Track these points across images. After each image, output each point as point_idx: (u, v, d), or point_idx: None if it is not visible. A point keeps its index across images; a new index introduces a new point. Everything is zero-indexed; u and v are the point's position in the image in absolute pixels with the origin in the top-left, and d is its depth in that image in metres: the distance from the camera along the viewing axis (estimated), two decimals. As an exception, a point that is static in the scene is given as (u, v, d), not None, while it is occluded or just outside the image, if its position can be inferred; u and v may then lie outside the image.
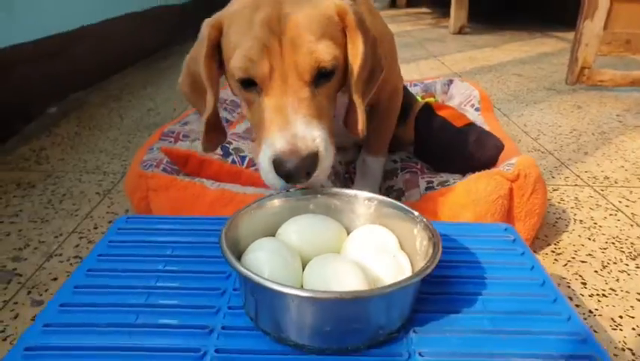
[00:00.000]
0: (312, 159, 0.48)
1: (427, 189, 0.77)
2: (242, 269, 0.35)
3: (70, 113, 1.39)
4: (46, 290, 0.67)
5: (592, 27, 1.61)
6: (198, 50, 0.56)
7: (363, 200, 0.47)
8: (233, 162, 0.79)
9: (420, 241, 0.42)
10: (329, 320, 0.35)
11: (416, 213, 0.43)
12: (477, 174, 0.69)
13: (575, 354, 0.36)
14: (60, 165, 1.07)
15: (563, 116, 1.44)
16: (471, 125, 0.80)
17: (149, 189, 0.73)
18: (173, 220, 0.53)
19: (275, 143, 0.48)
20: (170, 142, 0.94)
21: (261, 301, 0.37)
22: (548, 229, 0.84)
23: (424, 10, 4.23)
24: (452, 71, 1.99)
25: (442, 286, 0.43)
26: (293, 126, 0.48)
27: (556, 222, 0.87)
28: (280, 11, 0.50)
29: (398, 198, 0.75)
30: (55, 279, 0.70)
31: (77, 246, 0.78)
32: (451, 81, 1.22)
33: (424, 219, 0.42)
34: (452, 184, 0.75)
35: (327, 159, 0.49)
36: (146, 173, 0.74)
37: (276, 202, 0.47)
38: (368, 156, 0.79)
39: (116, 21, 1.82)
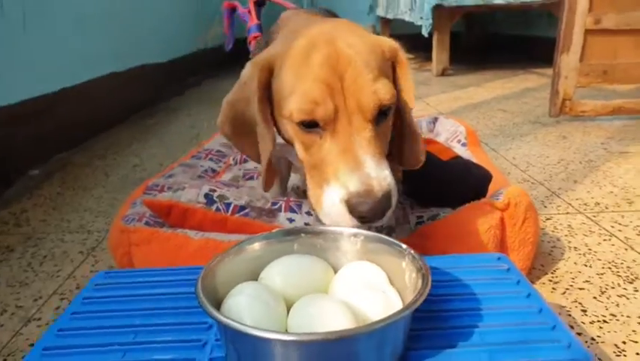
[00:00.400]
0: (386, 199, 0.47)
1: (417, 223, 0.75)
2: (217, 315, 0.33)
3: (54, 175, 1.38)
4: (22, 357, 0.63)
5: (568, 60, 1.64)
6: (246, 92, 0.55)
7: (348, 236, 0.45)
8: (218, 209, 0.77)
9: (409, 274, 0.40)
10: None
11: (404, 246, 0.41)
12: (467, 205, 0.68)
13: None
14: (41, 227, 1.04)
15: (550, 147, 1.44)
16: (458, 158, 0.80)
17: (131, 244, 0.71)
18: (151, 273, 0.50)
19: (348, 184, 0.47)
20: (155, 195, 0.92)
21: (241, 349, 0.34)
22: (544, 258, 0.82)
23: (407, 56, 4.33)
24: (437, 110, 2.02)
25: (435, 321, 0.40)
26: (365, 167, 0.47)
27: (552, 250, 0.85)
28: (337, 50, 0.49)
29: (389, 236, 0.73)
30: (32, 345, 0.66)
31: (58, 308, 0.75)
32: (436, 119, 1.22)
33: (412, 252, 0.40)
34: (442, 218, 0.74)
35: (395, 197, 0.49)
36: (128, 227, 0.72)
37: (258, 245, 0.45)
38: None
39: (99, 81, 1.84)
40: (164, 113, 2.25)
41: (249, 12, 0.78)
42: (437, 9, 2.72)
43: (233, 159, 1.11)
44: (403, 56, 0.55)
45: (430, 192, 0.79)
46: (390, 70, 0.54)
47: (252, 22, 0.76)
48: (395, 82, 0.55)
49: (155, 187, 0.95)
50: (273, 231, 0.46)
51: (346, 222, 0.47)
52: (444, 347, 0.37)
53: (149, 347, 0.39)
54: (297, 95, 0.49)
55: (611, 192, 1.09)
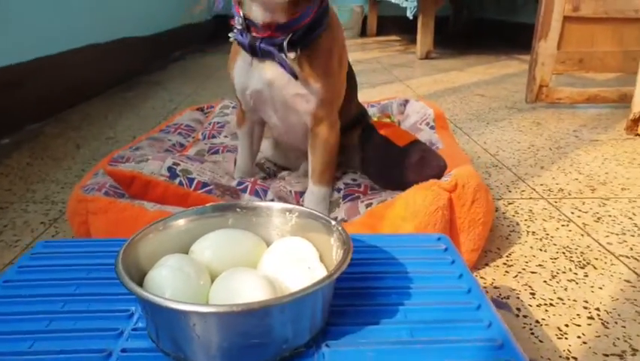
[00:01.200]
0: None
1: (367, 207, 0.75)
2: (133, 287, 0.33)
3: (24, 144, 1.36)
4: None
5: (546, 47, 1.64)
6: None
7: (282, 212, 0.46)
8: (181, 183, 0.77)
9: (335, 250, 0.40)
10: (224, 336, 0.32)
11: (333, 223, 0.42)
12: (415, 186, 0.68)
13: (492, 360, 0.34)
14: (5, 196, 1.03)
15: (522, 133, 1.45)
16: (414, 143, 0.80)
17: (88, 213, 0.71)
18: (89, 243, 0.51)
19: None
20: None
21: (158, 320, 0.34)
22: (501, 242, 0.83)
23: (393, 37, 4.31)
24: (417, 93, 2.02)
25: (361, 298, 0.41)
26: None
27: (510, 234, 0.86)
28: None
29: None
30: (-18, 312, 0.66)
31: (13, 277, 0.74)
32: (407, 101, 1.22)
33: (339, 228, 0.41)
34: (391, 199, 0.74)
35: None
36: (86, 197, 0.72)
37: (191, 218, 0.45)
38: (313, 185, 0.80)
39: (77, 52, 1.81)
40: (144, 86, 2.22)
41: None
42: (423, -9, 2.71)
43: (202, 134, 1.10)
44: None
45: (384, 177, 0.79)
46: None
47: None
48: None
49: (121, 159, 0.94)
50: (208, 205, 0.46)
51: None
52: (366, 323, 0.38)
53: (76, 316, 0.40)
54: None
55: (576, 179, 1.11)
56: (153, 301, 0.32)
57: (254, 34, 0.69)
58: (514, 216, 0.93)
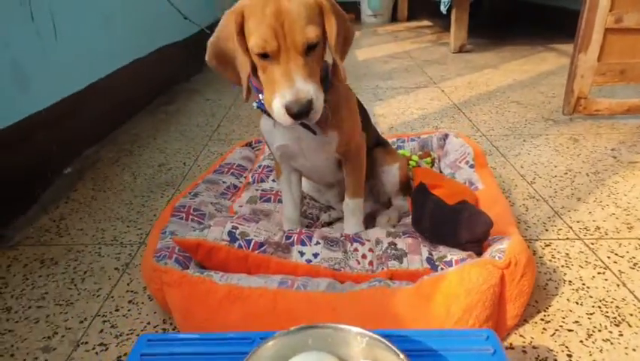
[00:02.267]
0: (309, 103, 0.72)
1: (427, 259, 0.83)
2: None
3: (85, 174, 1.47)
4: (75, 385, 0.74)
5: (586, 59, 1.64)
6: (227, 31, 0.76)
7: (355, 336, 0.53)
8: (240, 246, 0.85)
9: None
10: None
11: (401, 356, 0.49)
12: (470, 262, 0.75)
13: None
14: (79, 237, 1.14)
15: (559, 154, 1.48)
16: (463, 202, 0.86)
17: (163, 283, 0.80)
18: (194, 342, 0.59)
19: (286, 95, 0.72)
20: (181, 218, 1.01)
21: None
22: (539, 293, 0.89)
23: (424, 23, 4.26)
24: (451, 101, 2.04)
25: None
26: (295, 84, 0.72)
27: (547, 284, 0.92)
28: (280, 4, 0.72)
29: (400, 258, 0.83)
30: (82, 371, 0.76)
31: (102, 331, 0.85)
32: (446, 135, 1.27)
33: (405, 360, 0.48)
34: (450, 261, 0.81)
35: (319, 102, 0.74)
36: (160, 267, 0.81)
37: (275, 342, 0.53)
38: (349, 199, 0.98)
39: (122, 71, 1.89)
40: (184, 96, 2.30)
41: None
42: (457, -15, 2.67)
43: (252, 176, 1.18)
44: (326, 5, 0.75)
45: (436, 234, 0.86)
46: (318, 17, 0.75)
47: None
48: (323, 25, 0.76)
49: (182, 209, 1.04)
50: (292, 328, 0.54)
51: (286, 120, 0.73)
52: None
53: None
54: (255, 36, 0.72)
55: (613, 213, 1.14)
56: None
57: None
58: (551, 261, 0.98)
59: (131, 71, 1.97)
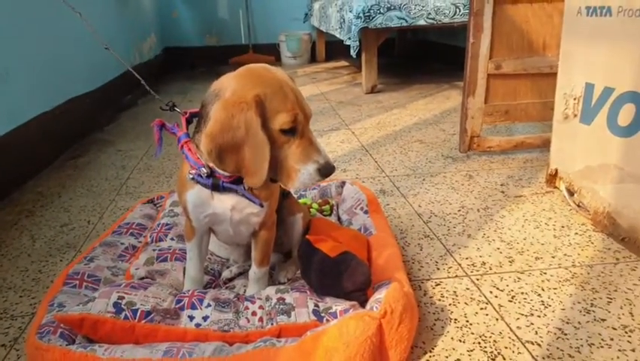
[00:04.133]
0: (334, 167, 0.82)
1: (314, 311, 0.86)
2: None
3: (-21, 241, 1.40)
4: None
5: (474, 102, 1.78)
6: (239, 121, 0.76)
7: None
8: (126, 317, 0.84)
9: None
10: None
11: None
12: (349, 315, 0.79)
13: None
14: (-35, 313, 1.08)
15: (455, 190, 1.58)
16: (345, 254, 0.90)
17: (45, 362, 0.78)
18: None
19: (319, 160, 0.80)
20: (74, 286, 0.98)
21: None
22: (426, 335, 0.94)
23: (341, 63, 4.44)
24: (360, 143, 2.13)
25: None
26: (323, 150, 0.82)
27: (434, 324, 0.97)
28: (289, 84, 0.82)
29: (288, 313, 0.86)
30: None
31: (-20, 418, 0.80)
32: (343, 183, 1.33)
33: None
34: (335, 312, 0.85)
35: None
36: (42, 345, 0.79)
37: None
38: (257, 268, 1.00)
39: (24, 127, 1.84)
40: (96, 147, 2.25)
41: (177, 125, 0.95)
42: (364, 31, 2.83)
43: (150, 236, 1.18)
44: None
45: (321, 285, 0.90)
46: None
47: (181, 132, 0.92)
48: None
49: (75, 276, 1.01)
50: None
51: (312, 182, 0.81)
52: None
53: None
54: (284, 114, 0.78)
55: (498, 248, 1.23)
56: None
57: (217, 176, 0.86)
58: (440, 300, 1.04)
59: (35, 126, 1.91)
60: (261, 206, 0.88)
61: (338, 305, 0.86)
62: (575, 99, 1.35)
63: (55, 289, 0.97)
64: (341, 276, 0.87)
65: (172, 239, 1.16)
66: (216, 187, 0.86)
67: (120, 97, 3.01)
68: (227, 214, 0.90)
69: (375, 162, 1.89)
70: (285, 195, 1.13)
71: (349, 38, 2.86)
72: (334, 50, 4.56)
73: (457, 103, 2.74)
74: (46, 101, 2.05)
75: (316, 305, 0.87)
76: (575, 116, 1.36)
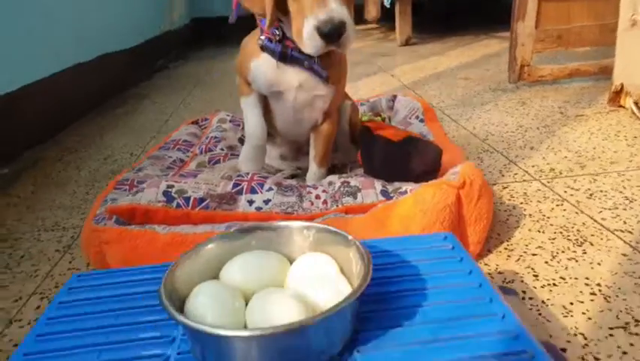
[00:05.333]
0: (342, 24, 0.68)
1: (382, 192, 0.79)
2: (180, 318, 0.37)
3: (24, 173, 1.38)
4: (7, 358, 0.66)
5: (524, 27, 1.68)
6: None
7: (301, 230, 0.49)
8: (178, 205, 0.79)
9: (355, 263, 0.44)
10: (266, 357, 0.36)
11: (350, 237, 0.45)
12: (424, 184, 0.72)
13: (509, 351, 0.38)
14: (16, 227, 1.05)
15: (509, 115, 1.49)
16: (409, 137, 0.84)
17: (101, 243, 0.74)
18: (121, 273, 0.53)
19: (318, 15, 0.67)
20: (125, 190, 0.95)
21: (203, 345, 0.38)
22: (500, 227, 0.87)
23: (371, 25, 4.33)
24: (402, 82, 2.05)
25: (382, 304, 0.45)
26: (329, 5, 0.67)
27: (508, 218, 0.90)
28: None
29: (354, 195, 0.79)
30: (16, 345, 0.69)
31: (38, 308, 0.77)
32: (394, 96, 1.26)
33: (357, 242, 0.44)
34: (404, 191, 0.78)
35: (351, 28, 0.70)
36: (98, 227, 0.75)
37: (217, 244, 0.48)
38: (317, 168, 0.95)
39: (63, 74, 1.82)
40: (133, 100, 2.23)
41: None
42: (398, -21, 2.73)
43: (199, 148, 1.13)
44: None
45: (389, 173, 0.83)
46: None
47: None
48: None
49: (125, 182, 0.97)
50: (231, 230, 0.49)
51: (316, 44, 0.69)
52: (390, 327, 0.42)
53: (122, 346, 0.43)
54: None
55: (566, 157, 1.15)
56: (201, 330, 0.35)
57: (287, 44, 0.81)
58: (509, 200, 0.97)
59: (72, 74, 1.89)
60: (324, 79, 0.82)
61: (408, 185, 0.80)
62: (645, 0, 1.24)
63: (108, 191, 0.93)
64: (409, 156, 0.81)
65: (222, 149, 1.11)
66: (284, 57, 0.80)
67: (153, 59, 2.99)
68: (293, 93, 0.84)
69: (420, 96, 1.81)
70: None
71: (383, -12, 2.77)
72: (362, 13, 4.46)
73: (499, 49, 2.61)
74: (82, 53, 2.03)
75: (384, 186, 0.80)
76: (646, 18, 1.25)
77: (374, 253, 0.51)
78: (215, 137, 1.15)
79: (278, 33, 0.79)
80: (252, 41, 0.85)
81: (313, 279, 0.43)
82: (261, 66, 0.83)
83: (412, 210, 0.68)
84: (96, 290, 0.51)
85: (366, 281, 0.39)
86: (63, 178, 1.32)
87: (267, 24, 0.76)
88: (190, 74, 2.82)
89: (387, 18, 3.18)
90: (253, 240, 0.49)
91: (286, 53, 0.80)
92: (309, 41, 0.70)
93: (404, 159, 0.81)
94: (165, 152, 1.13)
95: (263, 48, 0.82)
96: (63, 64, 1.83)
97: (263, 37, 0.81)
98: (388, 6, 2.78)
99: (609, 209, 0.90)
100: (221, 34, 4.66)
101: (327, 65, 0.82)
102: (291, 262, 0.48)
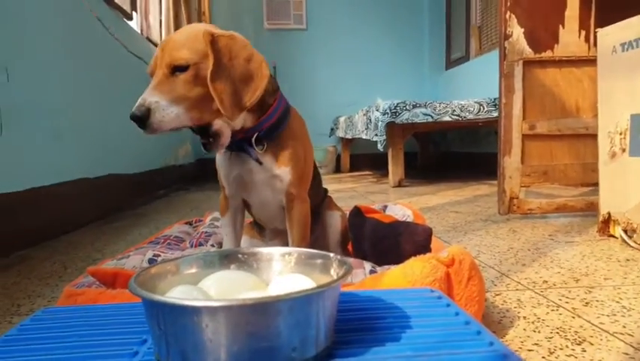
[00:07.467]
0: (141, 113, 0.75)
1: (371, 272, 0.78)
2: (143, 292, 0.35)
3: (11, 268, 1.35)
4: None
5: (511, 161, 1.79)
6: None
7: (282, 255, 0.48)
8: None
9: (336, 275, 0.42)
10: (235, 337, 0.33)
11: (331, 255, 0.44)
12: (413, 258, 0.71)
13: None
14: (-10, 312, 1.00)
15: (500, 239, 1.51)
16: (399, 221, 0.85)
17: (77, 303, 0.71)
18: (87, 308, 0.51)
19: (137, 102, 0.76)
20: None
21: (168, 331, 0.35)
22: (494, 326, 0.84)
23: (365, 172, 4.56)
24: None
25: (367, 328, 0.42)
26: (144, 93, 0.76)
27: (501, 320, 0.87)
28: (170, 37, 0.81)
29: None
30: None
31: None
32: (385, 206, 1.29)
33: (338, 257, 0.43)
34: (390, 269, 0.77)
35: (160, 114, 0.75)
36: (76, 291, 0.73)
37: (196, 265, 0.47)
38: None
39: (67, 185, 1.88)
40: (130, 218, 2.26)
41: None
42: (390, 126, 2.95)
43: (190, 242, 1.13)
44: (207, 39, 0.79)
45: (379, 252, 0.83)
46: (199, 45, 0.79)
47: None
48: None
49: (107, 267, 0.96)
50: (212, 251, 0.49)
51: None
52: (371, 345, 0.39)
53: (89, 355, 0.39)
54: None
55: (558, 272, 1.14)
56: (170, 303, 0.33)
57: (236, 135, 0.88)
58: (502, 305, 0.95)
59: (76, 187, 1.95)
60: (258, 161, 0.87)
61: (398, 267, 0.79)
62: (620, 134, 1.35)
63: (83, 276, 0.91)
64: (399, 237, 0.81)
65: (212, 245, 1.11)
66: (230, 147, 0.88)
67: (154, 187, 3.10)
68: (248, 177, 0.90)
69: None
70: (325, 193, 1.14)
71: (376, 135, 2.98)
72: (358, 161, 4.72)
73: (489, 191, 2.73)
74: (89, 169, 2.12)
75: (373, 267, 0.79)
76: (624, 150, 1.35)
77: (363, 299, 0.49)
78: (207, 232, 1.16)
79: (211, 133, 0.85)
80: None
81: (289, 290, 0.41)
82: (220, 160, 0.94)
83: (400, 282, 0.67)
84: (60, 320, 0.48)
85: (342, 276, 0.37)
86: (48, 273, 1.29)
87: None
88: (190, 200, 2.90)
89: (379, 166, 3.37)
90: (233, 264, 0.48)
91: (231, 144, 0.87)
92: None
93: (395, 238, 0.81)
94: (154, 246, 1.13)
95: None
96: (69, 175, 1.90)
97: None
98: (382, 150, 2.97)
99: (607, 315, 0.88)
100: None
101: (277, 147, 0.89)
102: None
